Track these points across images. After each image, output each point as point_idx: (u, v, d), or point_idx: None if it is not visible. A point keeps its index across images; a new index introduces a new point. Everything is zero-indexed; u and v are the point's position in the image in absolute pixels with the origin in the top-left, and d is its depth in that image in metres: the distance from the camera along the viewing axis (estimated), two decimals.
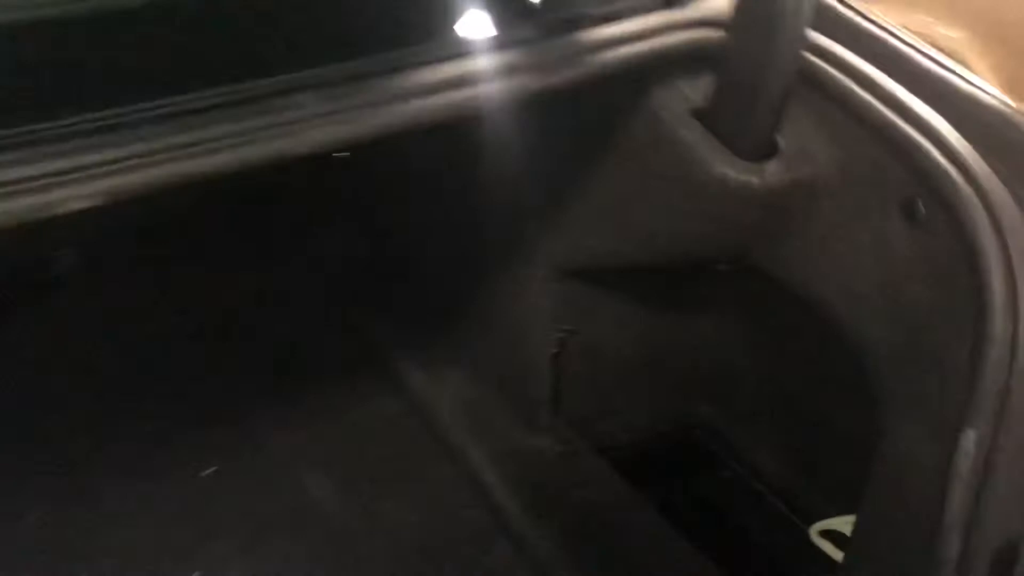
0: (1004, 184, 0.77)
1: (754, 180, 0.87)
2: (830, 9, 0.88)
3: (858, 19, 0.88)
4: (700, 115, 0.90)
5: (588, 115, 1.00)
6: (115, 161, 0.66)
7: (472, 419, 1.33)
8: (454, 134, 0.91)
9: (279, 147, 0.72)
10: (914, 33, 0.87)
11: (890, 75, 0.83)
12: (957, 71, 0.83)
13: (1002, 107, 0.81)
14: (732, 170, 0.87)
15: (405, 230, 1.46)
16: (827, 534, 1.11)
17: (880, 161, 0.82)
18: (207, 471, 1.24)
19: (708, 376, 1.35)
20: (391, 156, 1.21)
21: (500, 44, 0.83)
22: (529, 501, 1.23)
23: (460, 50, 0.81)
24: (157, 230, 1.42)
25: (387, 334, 1.43)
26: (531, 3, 0.94)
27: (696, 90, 0.91)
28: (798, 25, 0.82)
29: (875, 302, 0.85)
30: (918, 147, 0.78)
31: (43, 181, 0.64)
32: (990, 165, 0.77)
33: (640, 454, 1.35)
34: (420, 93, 0.77)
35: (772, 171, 0.87)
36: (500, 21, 0.90)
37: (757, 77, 0.83)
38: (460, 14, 0.90)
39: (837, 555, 1.09)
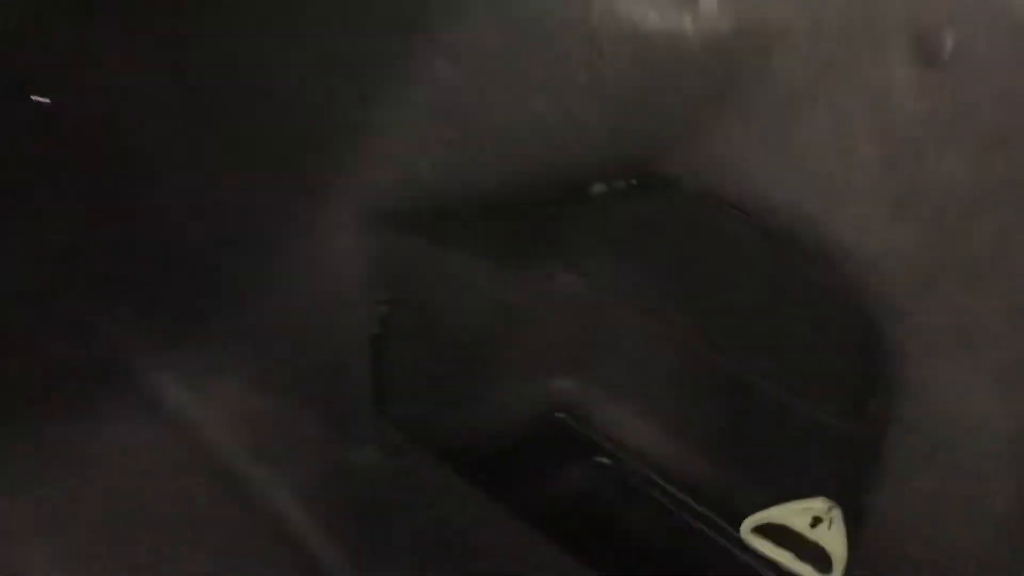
0: None
1: (684, 25, 0.57)
2: None
3: None
4: None
5: None
6: None
7: (264, 438, 0.95)
8: None
9: None
10: None
11: None
12: None
13: None
14: (653, 9, 0.56)
15: (148, 192, 1.04)
16: (765, 530, 0.84)
17: None
18: None
19: (570, 345, 1.06)
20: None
21: None
22: (354, 540, 0.88)
23: None
24: None
25: (129, 336, 1.02)
26: None
27: None
28: None
29: (877, 197, 0.57)
30: None
31: None
32: None
33: (494, 453, 1.05)
34: None
35: (708, 10, 0.57)
36: None
37: None
38: None
39: (781, 555, 0.83)
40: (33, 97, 1.08)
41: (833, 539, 0.77)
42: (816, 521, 0.79)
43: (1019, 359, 0.53)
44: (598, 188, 0.81)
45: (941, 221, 0.55)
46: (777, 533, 0.84)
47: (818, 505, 0.79)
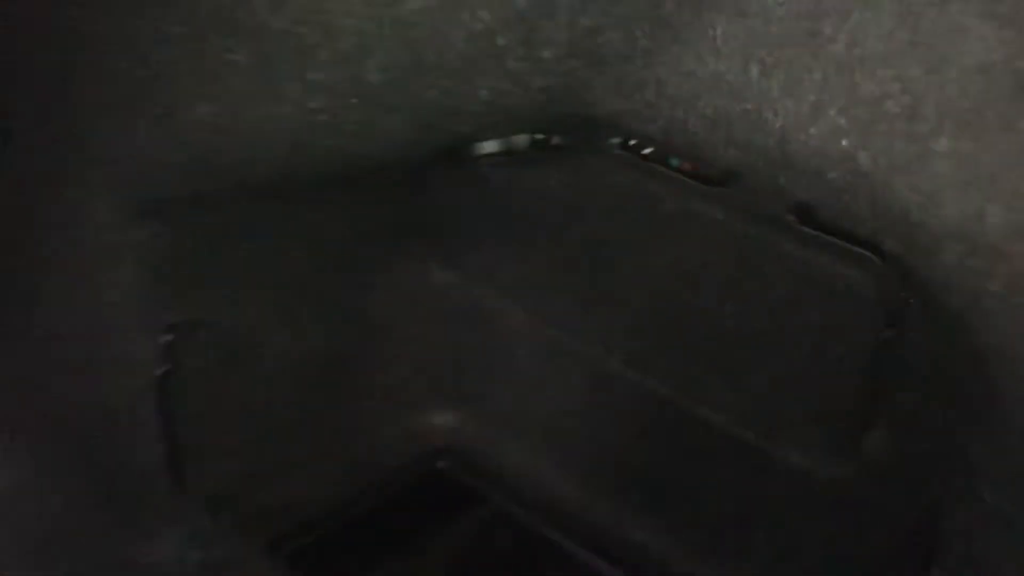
0: None
1: None
2: None
3: None
4: None
5: None
6: None
7: (16, 529, 0.65)
8: None
9: None
10: None
11: None
12: None
13: None
14: None
15: None
16: None
17: None
18: None
19: (451, 368, 0.79)
20: None
21: None
22: None
23: None
24: None
25: None
26: None
27: None
28: None
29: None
30: None
31: None
32: None
33: (358, 517, 0.78)
34: None
35: None
36: None
37: None
38: None
39: None
40: None
41: None
42: None
43: None
44: (486, 148, 0.54)
45: None
46: None
47: None
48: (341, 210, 0.67)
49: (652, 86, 0.43)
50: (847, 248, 0.54)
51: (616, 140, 0.59)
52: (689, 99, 0.41)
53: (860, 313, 0.55)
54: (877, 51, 0.37)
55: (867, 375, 0.57)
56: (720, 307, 0.61)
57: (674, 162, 0.61)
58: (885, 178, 0.38)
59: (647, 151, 0.60)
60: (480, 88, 0.42)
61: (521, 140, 0.52)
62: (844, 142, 0.38)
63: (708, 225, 0.57)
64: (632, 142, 0.61)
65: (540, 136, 0.53)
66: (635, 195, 0.60)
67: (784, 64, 0.39)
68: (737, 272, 0.59)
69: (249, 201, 0.61)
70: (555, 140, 0.58)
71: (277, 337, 0.68)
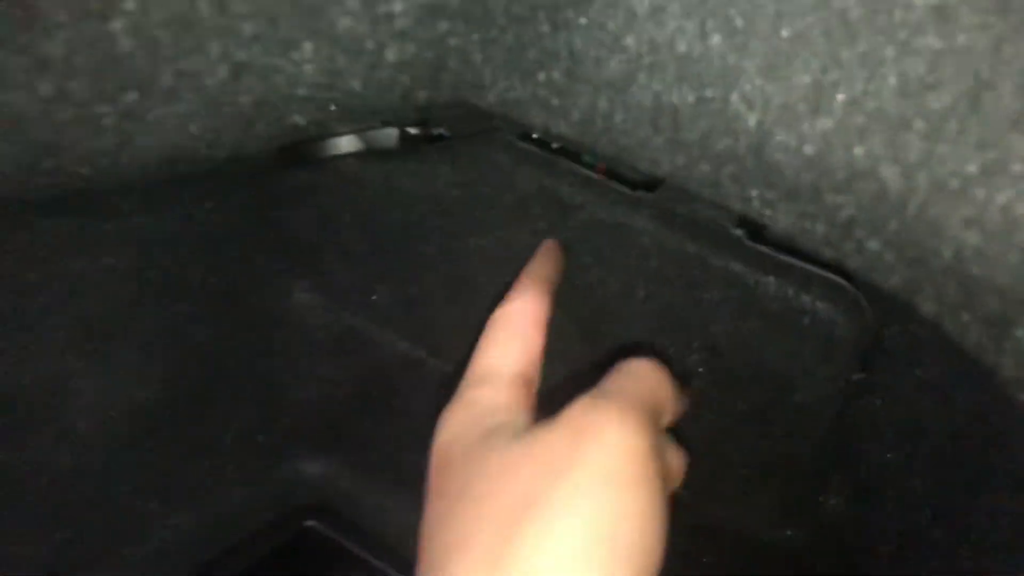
0: None
1: None
2: None
3: None
4: None
5: None
6: None
7: None
8: None
9: None
10: None
11: None
12: None
13: None
14: None
15: None
16: None
17: None
18: None
19: (319, 408, 0.65)
20: None
21: None
22: None
23: None
24: None
25: None
26: None
27: None
28: None
29: None
30: None
31: None
32: None
33: None
34: None
35: None
36: None
37: None
38: None
39: None
40: None
41: None
42: None
43: None
44: (343, 146, 0.41)
45: None
46: None
47: None
48: (168, 223, 0.52)
49: (563, 61, 0.29)
50: (811, 272, 0.43)
51: (515, 134, 0.46)
52: (618, 81, 0.28)
53: (825, 351, 0.44)
54: (915, 15, 0.24)
55: (830, 425, 0.46)
56: (649, 339, 0.49)
57: (587, 159, 0.48)
58: (924, 207, 0.25)
59: (556, 146, 0.47)
60: (303, 63, 0.29)
61: (388, 135, 0.39)
62: (858, 150, 0.25)
63: (634, 239, 0.45)
64: (535, 136, 0.48)
65: (413, 129, 0.39)
66: (542, 201, 0.47)
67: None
68: (670, 298, 0.47)
69: (37, 215, 0.46)
70: (436, 131, 0.45)
71: (86, 386, 0.53)
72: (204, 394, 0.62)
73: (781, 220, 0.29)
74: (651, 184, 0.45)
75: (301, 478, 0.69)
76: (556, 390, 0.51)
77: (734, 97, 0.26)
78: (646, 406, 0.35)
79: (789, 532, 0.52)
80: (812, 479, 0.48)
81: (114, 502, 0.60)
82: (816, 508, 0.50)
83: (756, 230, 0.44)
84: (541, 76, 0.30)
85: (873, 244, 0.27)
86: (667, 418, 0.38)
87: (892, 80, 0.24)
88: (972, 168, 0.23)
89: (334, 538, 0.69)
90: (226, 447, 0.65)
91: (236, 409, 0.64)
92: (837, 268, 0.43)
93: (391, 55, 0.29)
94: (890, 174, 0.25)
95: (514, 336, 0.40)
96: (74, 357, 0.52)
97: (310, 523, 0.68)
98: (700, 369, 0.47)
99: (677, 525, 0.56)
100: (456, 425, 0.38)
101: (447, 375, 0.61)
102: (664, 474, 0.35)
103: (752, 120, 0.26)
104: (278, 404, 0.66)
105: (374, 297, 0.60)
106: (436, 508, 0.36)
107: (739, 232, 0.43)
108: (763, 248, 0.43)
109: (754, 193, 0.28)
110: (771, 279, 0.42)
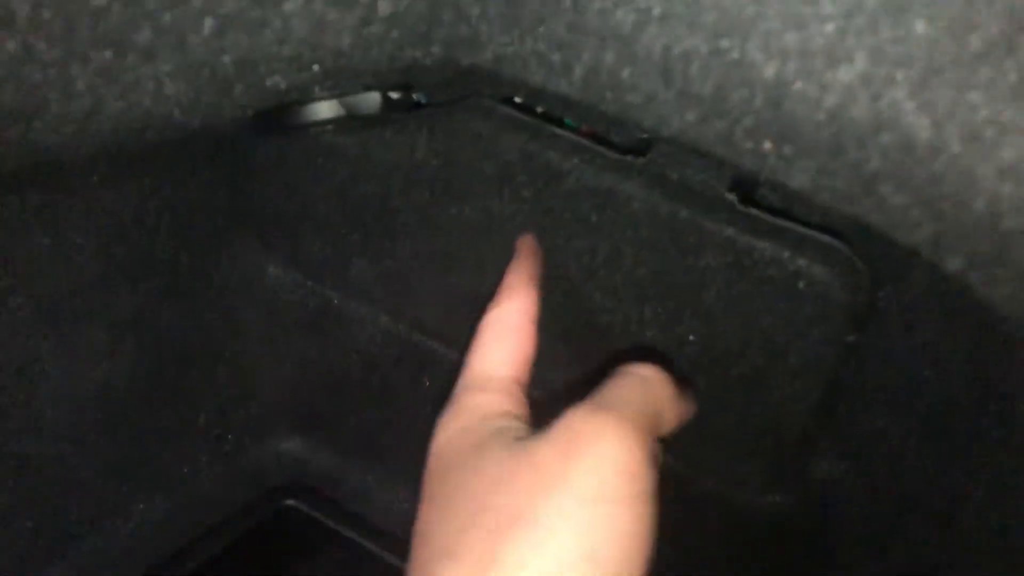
0: None
1: None
2: None
3: None
4: None
5: None
6: None
7: None
8: None
9: None
10: None
11: None
12: None
13: None
14: None
15: None
16: None
17: None
18: None
19: (294, 387, 0.64)
20: None
21: None
22: None
23: None
24: None
25: None
26: None
27: None
28: None
29: None
30: None
31: None
32: None
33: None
34: None
35: None
36: None
37: None
38: None
39: None
40: None
41: None
42: None
43: None
44: (322, 112, 0.39)
45: None
46: None
47: None
48: (135, 197, 0.50)
49: (566, 12, 0.28)
50: (805, 234, 0.42)
51: (499, 97, 0.44)
52: (626, 33, 0.27)
53: (819, 314, 0.43)
54: None
55: (824, 389, 0.45)
56: (639, 308, 0.48)
57: (569, 122, 0.47)
58: (955, 158, 0.24)
59: (540, 109, 0.46)
60: (292, 16, 0.27)
61: (370, 100, 0.37)
62: (883, 100, 0.24)
63: (624, 206, 0.44)
64: (517, 99, 0.46)
65: (395, 95, 0.38)
66: (526, 168, 0.46)
67: None
68: (661, 264, 0.45)
69: None
70: (416, 97, 0.43)
71: (53, 369, 0.51)
72: (176, 374, 0.60)
73: (798, 177, 0.28)
74: (641, 148, 0.44)
75: (279, 458, 0.67)
76: (556, 390, 0.51)
77: (751, 46, 0.25)
78: (645, 417, 0.35)
79: (777, 498, 0.52)
80: (803, 444, 0.48)
81: (86, 487, 0.58)
82: (805, 474, 0.49)
83: (748, 193, 0.43)
84: (541, 29, 0.28)
85: (898, 199, 0.26)
86: (666, 427, 0.38)
87: (920, 25, 0.23)
88: (1008, 115, 0.23)
89: (314, 516, 0.67)
90: (200, 428, 0.64)
91: (209, 389, 0.63)
92: (831, 230, 0.42)
93: (384, 7, 0.27)
94: (918, 125, 0.24)
95: (507, 339, 0.40)
96: (39, 339, 0.50)
97: (290, 502, 0.67)
98: (691, 337, 0.46)
99: (664, 491, 0.55)
100: (452, 431, 0.38)
101: (429, 352, 0.60)
102: (655, 489, 0.35)
103: (770, 71, 0.25)
104: (253, 383, 0.64)
105: (351, 271, 0.59)
106: (429, 513, 0.36)
107: (732, 196, 0.42)
108: (756, 212, 0.42)
109: (769, 147, 0.27)
110: (765, 243, 0.41)
